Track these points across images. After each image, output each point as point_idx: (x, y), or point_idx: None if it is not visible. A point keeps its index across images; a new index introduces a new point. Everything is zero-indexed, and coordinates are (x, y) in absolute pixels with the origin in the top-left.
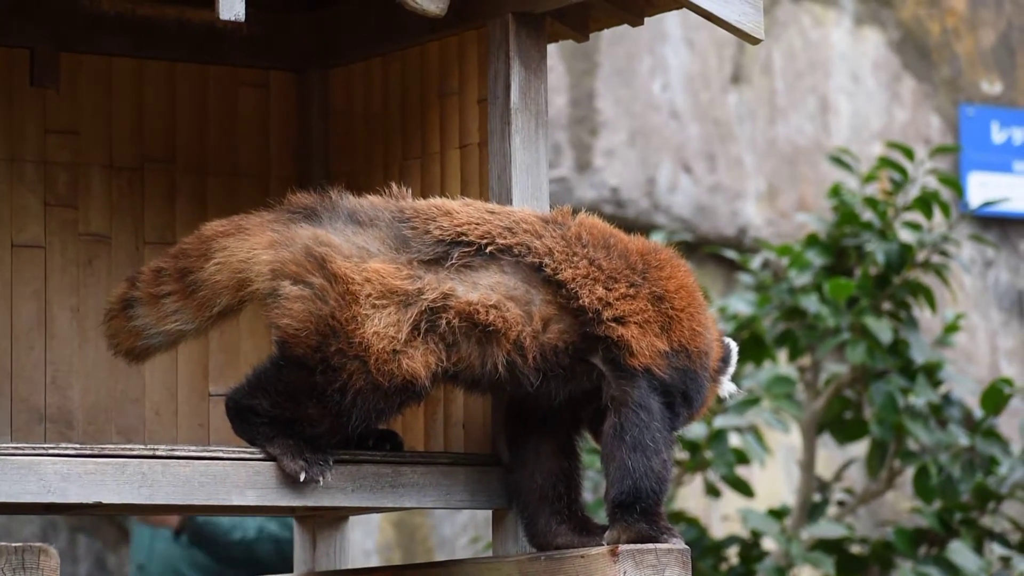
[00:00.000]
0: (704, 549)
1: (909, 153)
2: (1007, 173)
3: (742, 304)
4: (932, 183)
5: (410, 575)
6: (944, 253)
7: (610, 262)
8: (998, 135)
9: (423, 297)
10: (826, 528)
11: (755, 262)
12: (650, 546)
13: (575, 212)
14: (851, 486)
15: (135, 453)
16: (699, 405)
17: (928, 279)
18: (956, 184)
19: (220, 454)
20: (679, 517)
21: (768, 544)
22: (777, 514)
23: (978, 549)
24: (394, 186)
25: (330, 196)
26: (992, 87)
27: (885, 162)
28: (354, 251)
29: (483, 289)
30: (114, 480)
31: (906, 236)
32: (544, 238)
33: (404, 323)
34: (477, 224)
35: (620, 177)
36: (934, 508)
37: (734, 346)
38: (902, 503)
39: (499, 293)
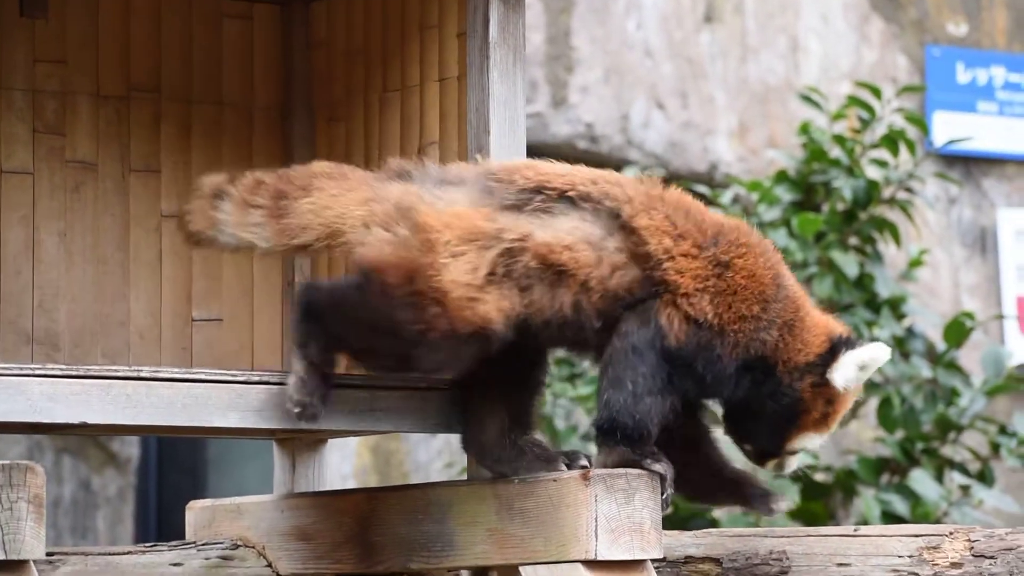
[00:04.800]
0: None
1: (876, 92)
2: (971, 113)
3: None
4: (898, 122)
5: (386, 497)
6: (909, 190)
7: (684, 224)
8: (963, 76)
9: (502, 237)
10: None
11: (726, 197)
12: (621, 471)
13: (666, 183)
14: None
15: (120, 374)
16: (712, 389)
17: (893, 215)
18: (922, 123)
19: (203, 376)
20: None
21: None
22: None
23: (939, 478)
24: (479, 156)
25: (423, 163)
26: (958, 29)
27: (853, 101)
28: (438, 203)
29: (560, 232)
30: (99, 401)
31: (873, 173)
32: (626, 188)
33: (482, 267)
34: (561, 175)
35: (594, 113)
36: (896, 438)
37: (843, 349)
38: (865, 433)
39: (573, 236)
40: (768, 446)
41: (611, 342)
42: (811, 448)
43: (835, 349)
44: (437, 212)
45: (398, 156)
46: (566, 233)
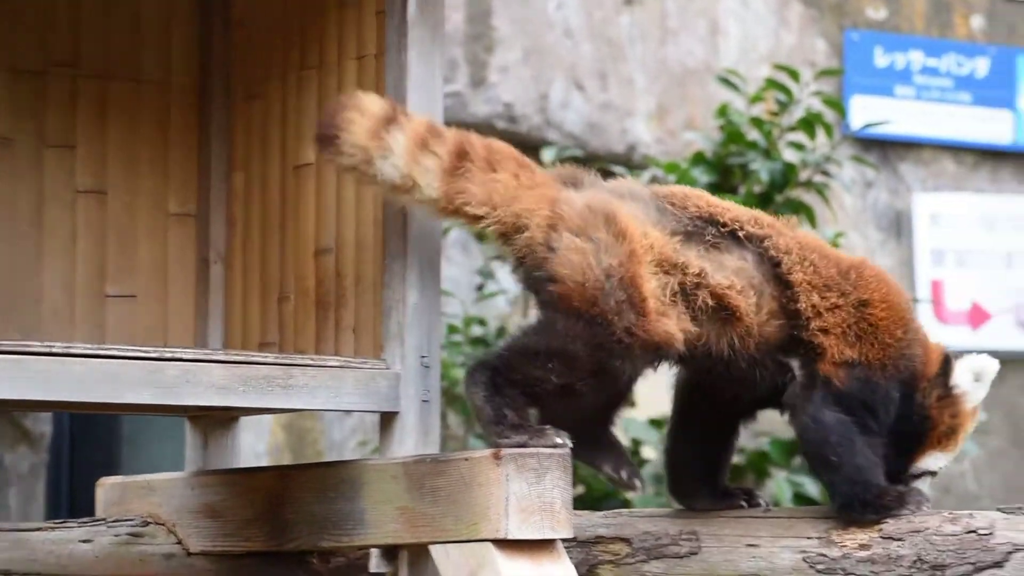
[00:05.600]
0: None
1: (795, 75)
2: (889, 97)
3: None
4: (816, 105)
5: (297, 475)
6: (826, 173)
7: (827, 270)
8: (881, 60)
9: (687, 272)
10: None
11: (643, 179)
12: (532, 450)
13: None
14: None
15: (32, 350)
16: (887, 415)
17: (810, 198)
18: (839, 106)
19: (116, 352)
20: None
21: (648, 452)
22: (658, 423)
23: None
24: (627, 175)
25: (588, 173)
26: (877, 13)
27: (771, 84)
28: (632, 214)
29: (729, 273)
30: (11, 376)
31: (790, 156)
32: (784, 236)
33: (667, 290)
34: (727, 209)
35: (514, 93)
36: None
37: (953, 358)
38: (778, 415)
39: (742, 279)
40: (895, 467)
41: (794, 426)
42: (935, 468)
43: (948, 361)
44: (639, 227)
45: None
46: (734, 273)
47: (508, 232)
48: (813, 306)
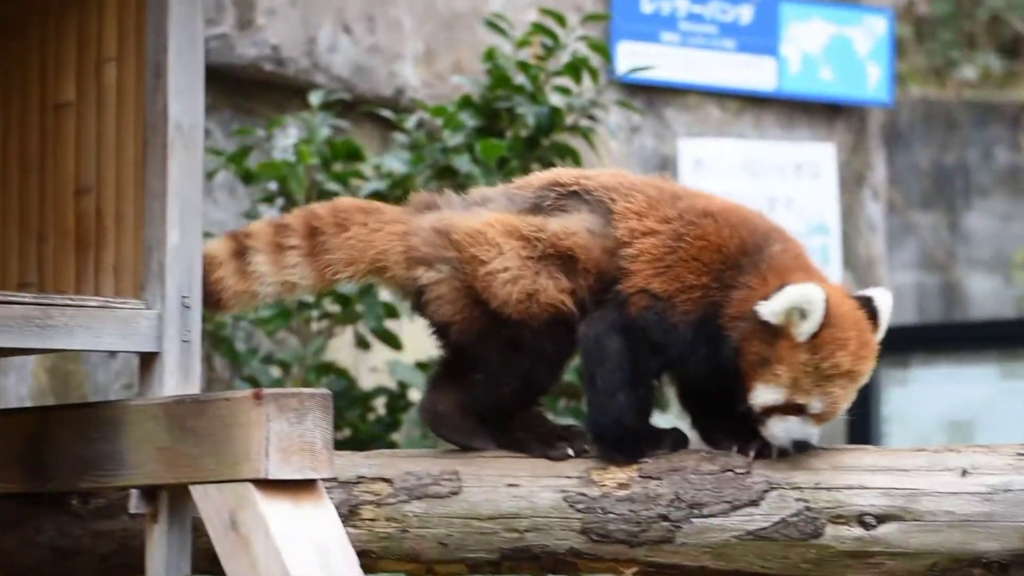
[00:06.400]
0: (352, 399)
1: (561, 20)
2: (655, 43)
3: (397, 162)
4: (582, 50)
5: (57, 416)
6: (592, 117)
7: (660, 203)
8: (647, 6)
9: (525, 228)
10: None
11: (411, 122)
12: (293, 390)
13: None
14: None
15: None
16: (682, 361)
17: (576, 142)
18: (605, 51)
19: None
20: (329, 368)
21: (414, 395)
22: (424, 366)
23: None
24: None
25: (445, 194)
26: None
27: (538, 28)
28: (471, 217)
29: (566, 222)
30: None
31: (556, 100)
32: (617, 178)
33: (520, 252)
34: (572, 173)
35: (281, 36)
36: (575, 365)
37: (793, 289)
38: None
39: (577, 224)
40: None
41: (579, 335)
42: (768, 402)
43: (778, 291)
44: (469, 223)
45: (75, 73)
46: (572, 222)
47: (376, 276)
48: (631, 230)
